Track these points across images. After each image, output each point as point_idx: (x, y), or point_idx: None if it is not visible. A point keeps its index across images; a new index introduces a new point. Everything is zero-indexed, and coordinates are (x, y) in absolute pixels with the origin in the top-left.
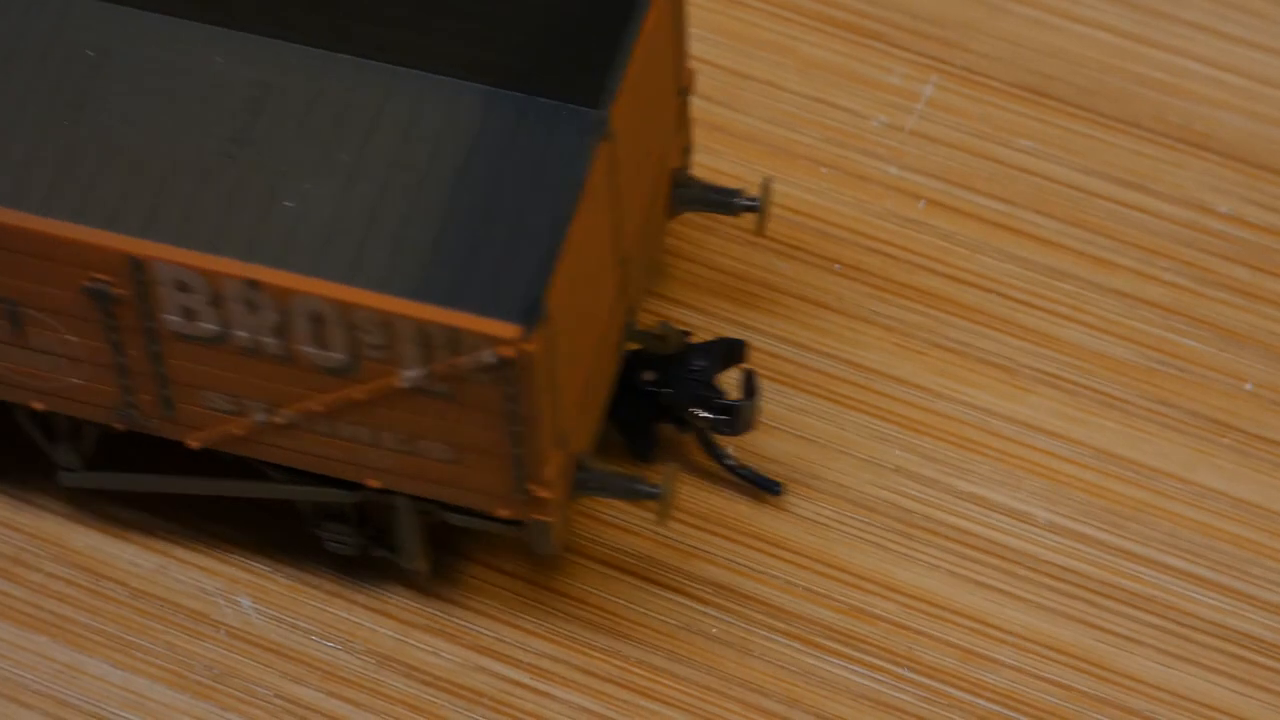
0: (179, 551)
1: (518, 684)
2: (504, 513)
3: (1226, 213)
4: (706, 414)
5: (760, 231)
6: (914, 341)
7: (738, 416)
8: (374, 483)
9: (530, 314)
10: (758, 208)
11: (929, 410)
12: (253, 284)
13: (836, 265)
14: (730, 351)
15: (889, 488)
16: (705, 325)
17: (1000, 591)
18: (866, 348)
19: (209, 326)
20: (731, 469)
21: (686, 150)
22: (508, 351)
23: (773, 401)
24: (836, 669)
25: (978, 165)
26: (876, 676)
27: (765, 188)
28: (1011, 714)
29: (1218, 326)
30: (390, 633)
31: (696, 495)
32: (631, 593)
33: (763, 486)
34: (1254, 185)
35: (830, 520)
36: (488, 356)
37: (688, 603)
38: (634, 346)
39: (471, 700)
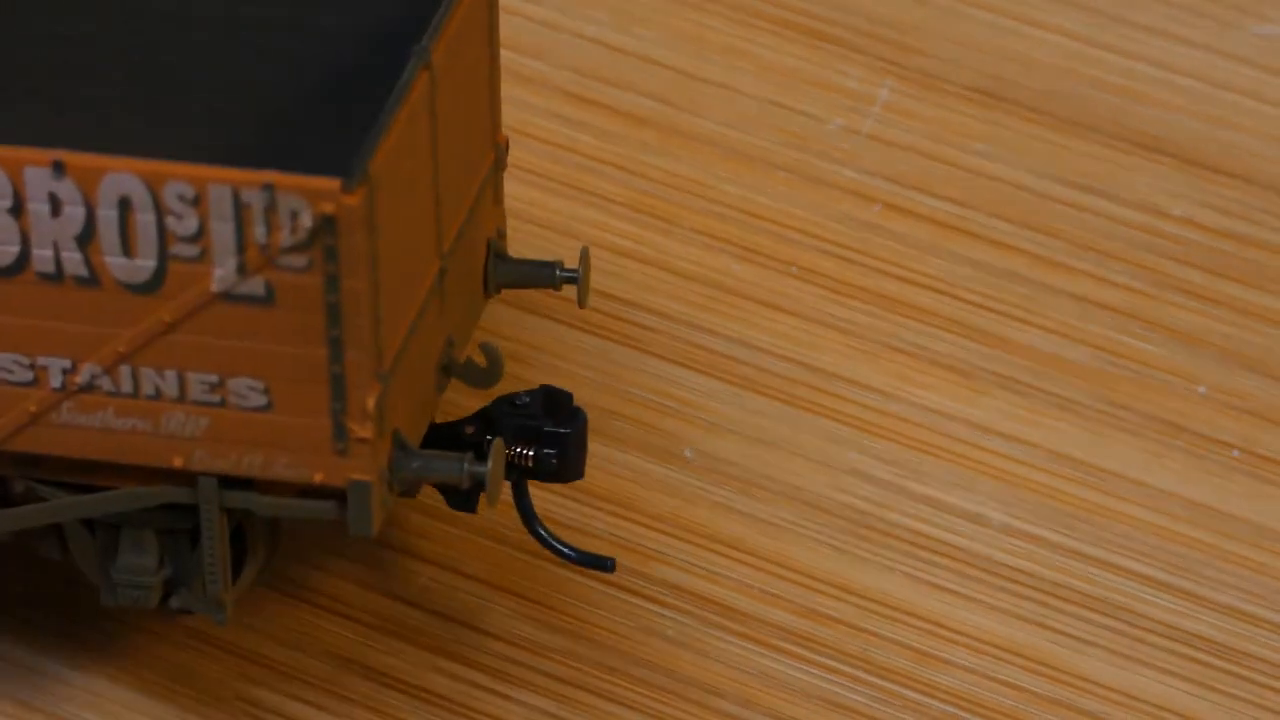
0: None
1: (476, 685)
2: (319, 476)
3: (1180, 216)
4: (532, 451)
5: (582, 304)
6: (869, 344)
7: (568, 448)
8: (178, 460)
9: (351, 171)
10: (576, 279)
11: (884, 413)
12: (59, 167)
13: (792, 268)
14: (554, 400)
15: (844, 490)
16: (663, 328)
17: (954, 593)
18: (822, 350)
19: (8, 249)
20: (547, 542)
21: (502, 233)
22: (327, 206)
23: (729, 403)
24: (792, 670)
25: (933, 168)
26: (831, 678)
27: (584, 259)
28: (965, 715)
29: (1171, 330)
30: (350, 635)
31: (653, 498)
32: (589, 595)
33: (593, 566)
34: (1207, 189)
35: (785, 522)
36: (306, 220)
37: (645, 605)
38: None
39: (430, 702)
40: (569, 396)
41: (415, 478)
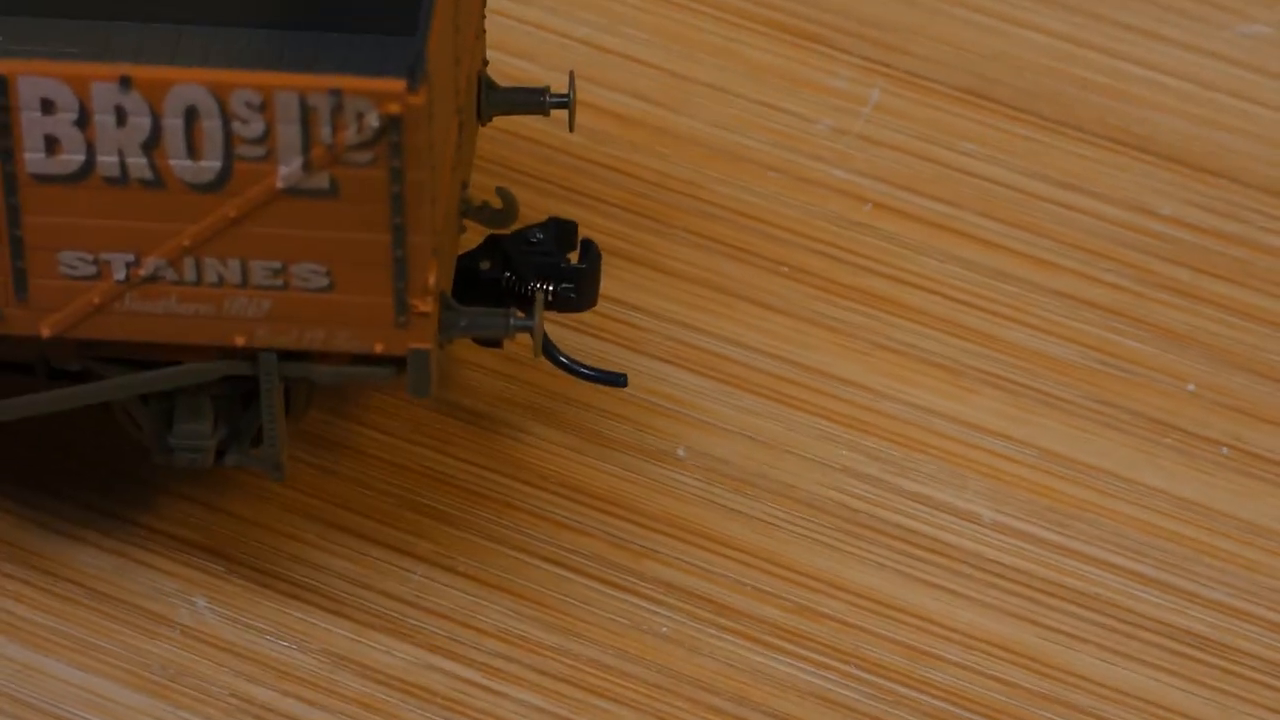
0: (135, 552)
1: (471, 683)
2: (380, 347)
3: (1167, 214)
4: (552, 285)
5: (572, 128)
6: (859, 343)
7: (585, 280)
8: (240, 339)
9: (414, 71)
10: (567, 104)
11: (874, 411)
12: (126, 82)
13: (783, 267)
14: (563, 231)
15: (836, 487)
16: (655, 328)
17: (946, 590)
18: (812, 349)
19: (74, 157)
20: (568, 367)
21: (485, 62)
22: (394, 107)
23: (721, 402)
24: (785, 667)
25: (922, 168)
26: (824, 674)
27: (571, 81)
28: (958, 711)
29: (1159, 327)
30: (345, 633)
31: (646, 496)
32: (583, 592)
33: (607, 381)
34: (1194, 187)
35: (778, 520)
36: (373, 120)
37: (638, 602)
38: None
39: (425, 699)
40: (574, 226)
41: (463, 335)
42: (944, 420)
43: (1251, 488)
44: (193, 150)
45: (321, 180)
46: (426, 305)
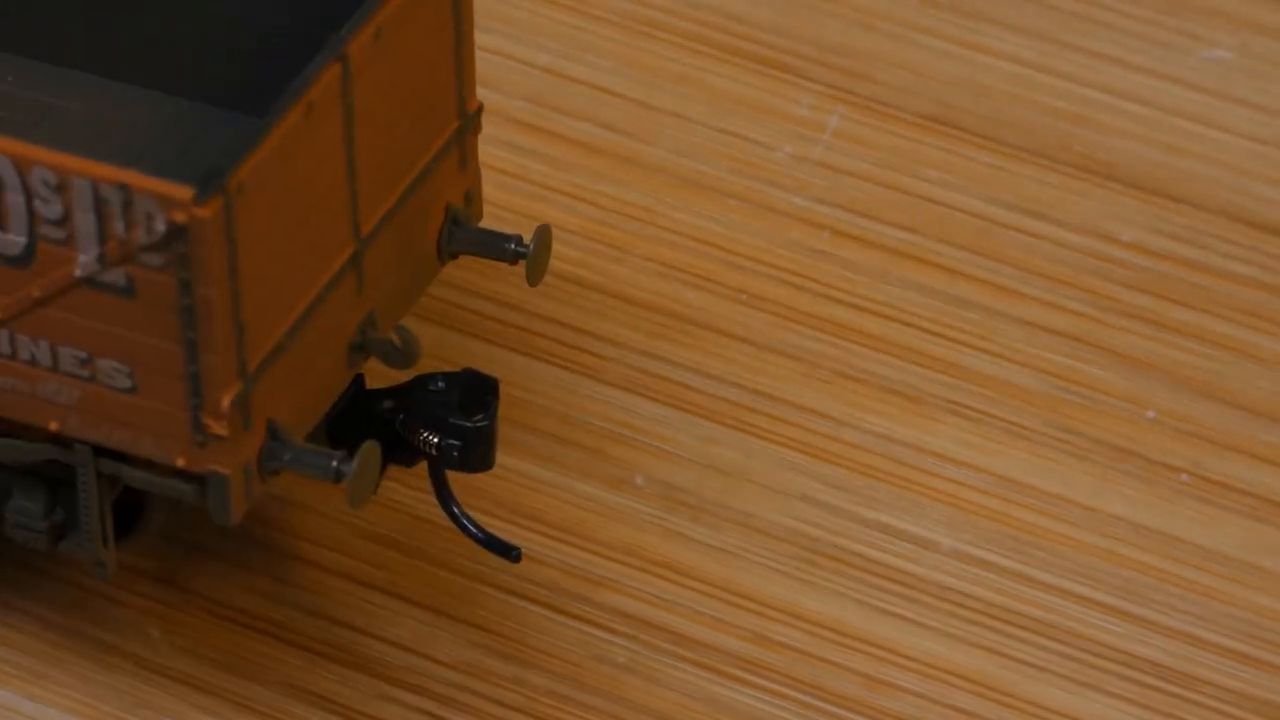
0: (89, 582)
1: (426, 713)
2: (181, 461)
3: (1129, 241)
4: (437, 439)
5: (532, 282)
6: (820, 371)
7: (473, 442)
8: (55, 425)
9: (208, 180)
10: (527, 254)
11: (835, 439)
12: None
13: (743, 295)
14: (476, 387)
15: (795, 516)
16: (614, 355)
17: (905, 619)
18: (773, 377)
19: None
20: (459, 520)
21: (472, 198)
22: (179, 216)
23: (680, 430)
24: (743, 697)
25: (883, 195)
26: (781, 704)
27: (539, 236)
28: None
29: (1121, 354)
30: (299, 662)
31: (604, 525)
32: (539, 622)
33: (497, 550)
34: (1157, 214)
35: (737, 548)
36: (159, 224)
37: (595, 632)
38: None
39: None
40: (493, 384)
41: (286, 470)
42: (904, 448)
43: (1212, 515)
44: (2, 220)
45: (118, 276)
46: (221, 428)
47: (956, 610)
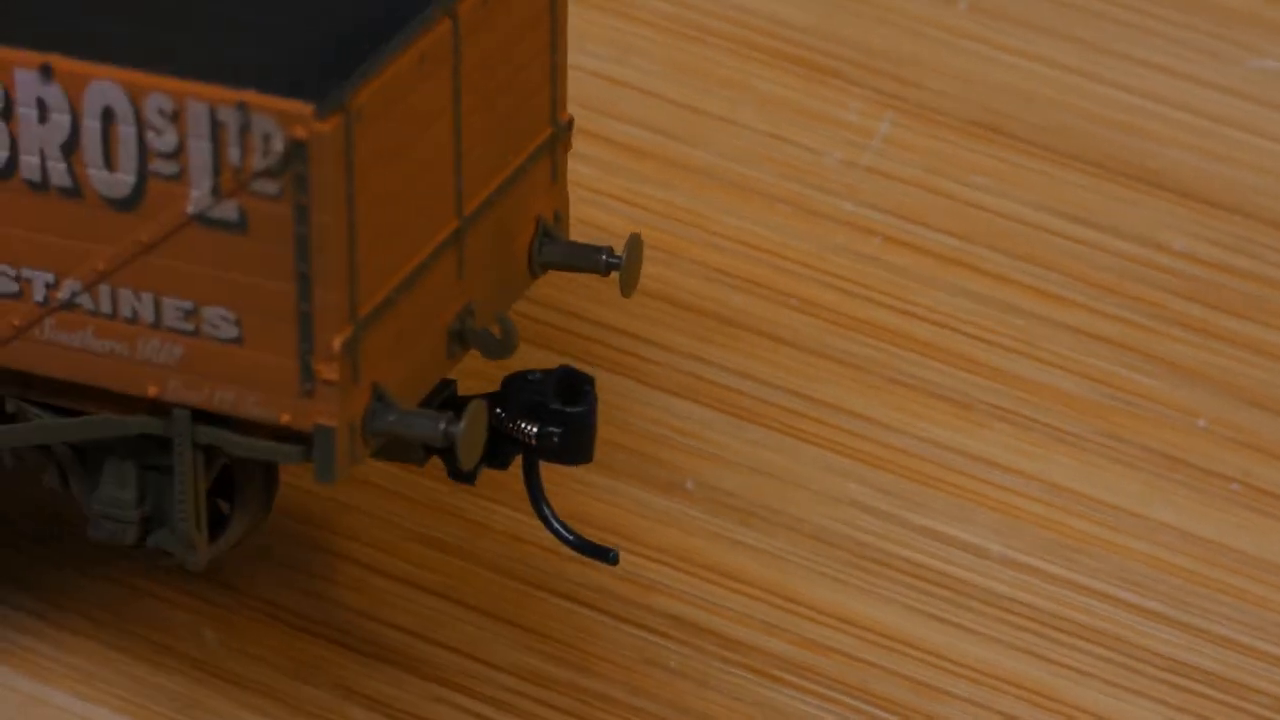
0: (141, 583)
1: (479, 716)
2: (286, 417)
3: (1180, 249)
4: (536, 428)
5: (625, 293)
6: (869, 376)
7: (574, 430)
8: (154, 389)
9: (328, 98)
10: (620, 265)
11: (884, 444)
12: (47, 71)
13: (792, 300)
14: (570, 381)
15: (844, 521)
16: (663, 360)
17: (953, 625)
18: (822, 382)
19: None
20: (549, 522)
21: (560, 216)
22: (299, 131)
23: (729, 435)
24: (792, 701)
25: (932, 201)
26: (830, 708)
27: (632, 246)
28: None
29: (1170, 363)
30: (352, 664)
31: (654, 529)
32: (591, 626)
33: (592, 554)
34: (1206, 223)
35: (786, 553)
36: (278, 143)
37: (646, 636)
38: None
39: None
40: (589, 380)
41: (391, 432)
42: (953, 454)
43: (1262, 524)
44: (109, 159)
45: (230, 210)
46: (331, 373)
47: (1005, 616)
